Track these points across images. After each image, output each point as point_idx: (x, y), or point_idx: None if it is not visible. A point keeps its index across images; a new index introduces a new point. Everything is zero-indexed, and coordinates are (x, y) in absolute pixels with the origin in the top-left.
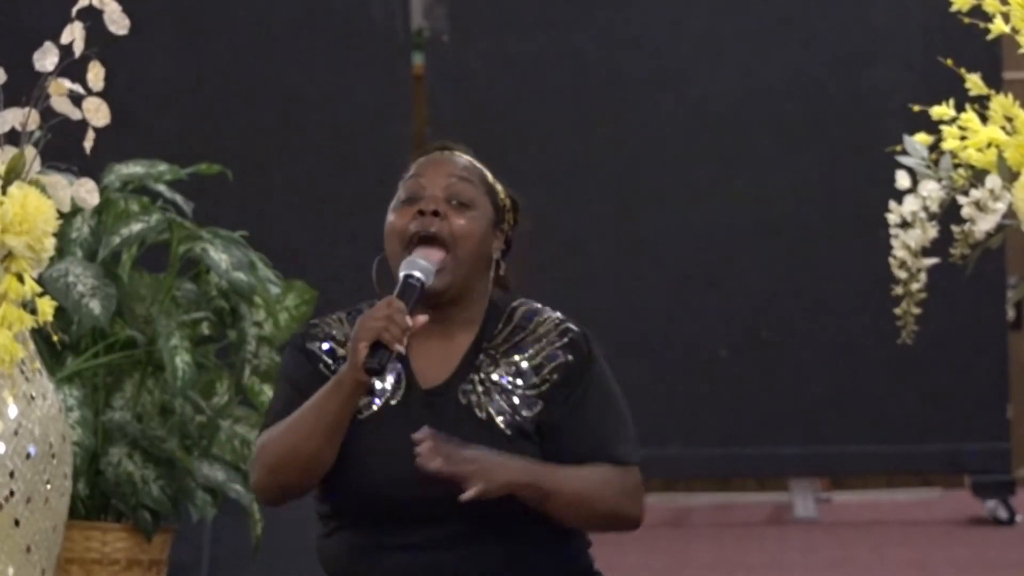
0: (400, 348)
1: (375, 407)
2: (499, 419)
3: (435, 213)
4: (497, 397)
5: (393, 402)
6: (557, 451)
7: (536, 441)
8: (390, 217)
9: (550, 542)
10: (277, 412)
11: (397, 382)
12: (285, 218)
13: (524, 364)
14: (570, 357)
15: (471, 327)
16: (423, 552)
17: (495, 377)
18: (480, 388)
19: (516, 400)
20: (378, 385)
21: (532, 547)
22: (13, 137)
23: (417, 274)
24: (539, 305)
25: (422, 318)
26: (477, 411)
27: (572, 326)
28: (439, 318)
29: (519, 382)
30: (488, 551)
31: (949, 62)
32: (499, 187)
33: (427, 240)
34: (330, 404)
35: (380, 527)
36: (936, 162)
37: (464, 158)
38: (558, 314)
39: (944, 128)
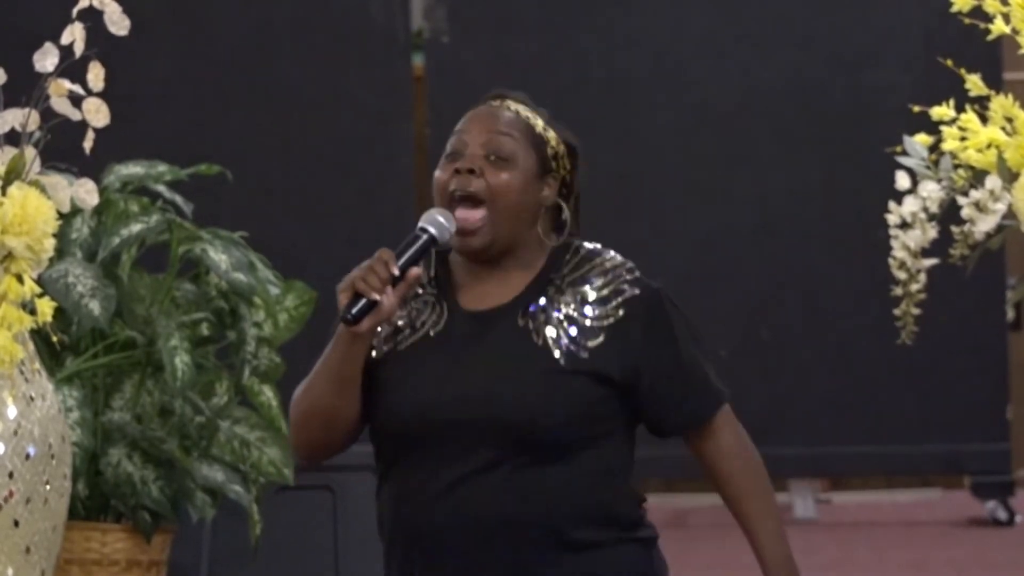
0: (376, 297)
1: (413, 340)
2: (556, 350)
3: (471, 171)
4: (559, 329)
5: (432, 332)
6: (645, 393)
7: (590, 380)
8: (436, 172)
9: (592, 474)
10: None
11: (438, 316)
12: (285, 218)
13: (591, 294)
14: (636, 291)
15: (528, 270)
16: (460, 486)
17: (561, 305)
18: (542, 316)
19: (580, 329)
20: (420, 319)
21: (573, 478)
22: (13, 138)
23: (431, 229)
24: (601, 246)
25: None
26: (534, 336)
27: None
28: (492, 267)
29: (585, 311)
30: (526, 480)
31: (949, 63)
32: (551, 134)
33: (466, 199)
34: (332, 357)
35: (417, 459)
36: (936, 163)
37: (510, 111)
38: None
39: (944, 129)
